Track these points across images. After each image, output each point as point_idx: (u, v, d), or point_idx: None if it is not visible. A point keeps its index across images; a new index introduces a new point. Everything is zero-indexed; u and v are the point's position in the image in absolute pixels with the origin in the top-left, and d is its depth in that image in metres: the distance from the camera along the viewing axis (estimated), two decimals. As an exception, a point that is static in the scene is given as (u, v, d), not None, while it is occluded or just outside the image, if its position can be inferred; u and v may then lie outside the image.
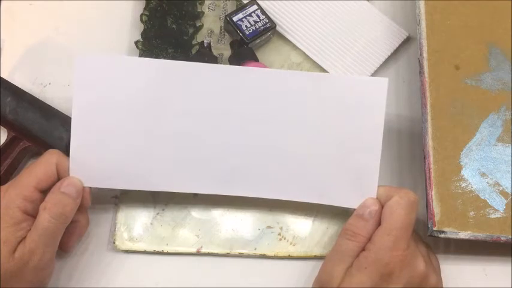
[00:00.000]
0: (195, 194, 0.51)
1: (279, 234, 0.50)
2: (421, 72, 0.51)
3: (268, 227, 0.51)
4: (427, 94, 0.50)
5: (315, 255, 0.50)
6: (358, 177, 0.46)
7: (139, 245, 0.49)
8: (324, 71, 0.56)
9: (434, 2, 0.53)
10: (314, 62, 0.57)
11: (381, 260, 0.42)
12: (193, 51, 0.55)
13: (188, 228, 0.50)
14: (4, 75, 0.54)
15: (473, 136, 0.49)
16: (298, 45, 0.57)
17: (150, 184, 0.48)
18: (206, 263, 0.50)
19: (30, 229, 0.43)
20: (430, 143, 0.49)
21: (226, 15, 0.55)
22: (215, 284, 0.49)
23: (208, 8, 0.58)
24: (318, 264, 0.46)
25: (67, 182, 0.45)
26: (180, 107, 0.46)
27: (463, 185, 0.48)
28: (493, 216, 0.47)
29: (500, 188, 0.48)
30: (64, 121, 0.50)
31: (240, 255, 0.50)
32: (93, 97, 0.46)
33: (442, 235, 0.46)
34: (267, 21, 0.55)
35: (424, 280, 0.44)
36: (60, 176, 0.46)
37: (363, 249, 0.44)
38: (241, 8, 0.55)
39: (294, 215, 0.51)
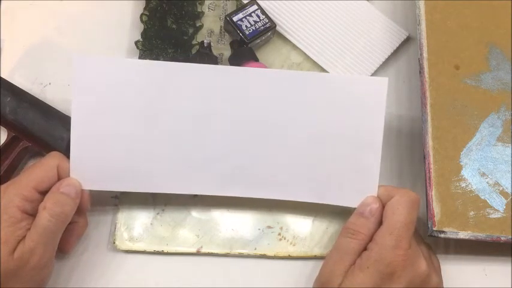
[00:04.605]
0: (195, 195, 0.51)
1: (279, 234, 0.50)
2: (421, 72, 0.51)
3: (268, 227, 0.51)
4: (427, 94, 0.50)
5: (315, 255, 0.50)
6: (358, 177, 0.46)
7: (139, 245, 0.49)
8: (324, 71, 0.56)
9: (434, 2, 0.53)
10: (314, 62, 0.57)
11: (384, 259, 0.42)
12: (193, 51, 0.55)
13: (188, 228, 0.50)
14: (4, 75, 0.54)
15: (473, 136, 0.49)
16: (298, 45, 0.57)
17: (151, 186, 0.48)
18: (206, 263, 0.50)
19: (29, 228, 0.43)
20: (430, 143, 0.49)
21: (226, 15, 0.55)
22: (215, 284, 0.49)
23: (208, 8, 0.58)
24: (318, 264, 0.46)
25: (66, 182, 0.45)
26: (180, 108, 0.46)
27: (463, 185, 0.48)
28: (493, 216, 0.47)
29: (500, 188, 0.48)
30: (64, 121, 0.50)
31: (240, 255, 0.50)
32: (92, 99, 0.46)
33: (442, 235, 0.46)
34: (267, 21, 0.55)
35: (425, 280, 0.44)
36: (60, 178, 0.46)
37: (365, 249, 0.44)
38: (241, 8, 0.55)
39: (294, 215, 0.51)
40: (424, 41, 0.52)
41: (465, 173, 0.48)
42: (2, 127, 0.52)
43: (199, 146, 0.47)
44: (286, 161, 0.47)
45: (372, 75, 0.56)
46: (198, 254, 0.50)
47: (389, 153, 0.54)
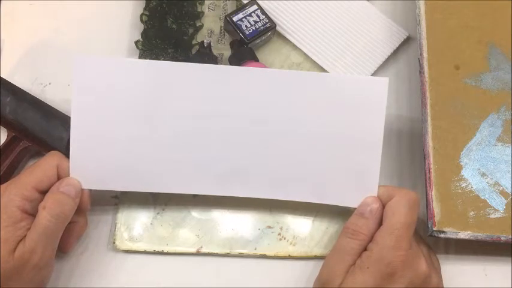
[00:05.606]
0: (195, 195, 0.51)
1: (279, 234, 0.50)
2: (421, 72, 0.51)
3: (268, 227, 0.51)
4: (427, 94, 0.50)
5: (315, 255, 0.50)
6: (358, 177, 0.46)
7: (139, 245, 0.49)
8: (324, 71, 0.56)
9: (434, 2, 0.53)
10: (314, 62, 0.57)
11: (384, 259, 0.42)
12: (193, 51, 0.55)
13: (188, 228, 0.50)
14: (4, 75, 0.54)
15: (473, 136, 0.49)
16: (298, 45, 0.57)
17: (151, 186, 0.48)
18: (206, 263, 0.50)
19: (29, 228, 0.43)
20: (430, 143, 0.49)
21: (226, 15, 0.55)
22: (215, 284, 0.49)
23: (208, 8, 0.58)
24: (318, 264, 0.46)
25: (66, 182, 0.45)
26: (180, 108, 0.46)
27: (463, 185, 0.48)
28: (493, 216, 0.47)
29: (500, 188, 0.48)
30: (64, 121, 0.50)
31: (240, 255, 0.50)
32: (92, 98, 0.46)
33: (442, 235, 0.46)
34: (267, 21, 0.55)
35: (426, 280, 0.44)
36: (60, 178, 0.46)
37: (365, 249, 0.44)
38: (241, 8, 0.55)
39: (294, 215, 0.51)
40: (424, 41, 0.52)
41: (465, 173, 0.48)
42: (2, 127, 0.52)
43: (199, 145, 0.47)
44: (286, 161, 0.47)
45: (372, 75, 0.56)
46: (198, 254, 0.50)
47: (390, 153, 0.54)
